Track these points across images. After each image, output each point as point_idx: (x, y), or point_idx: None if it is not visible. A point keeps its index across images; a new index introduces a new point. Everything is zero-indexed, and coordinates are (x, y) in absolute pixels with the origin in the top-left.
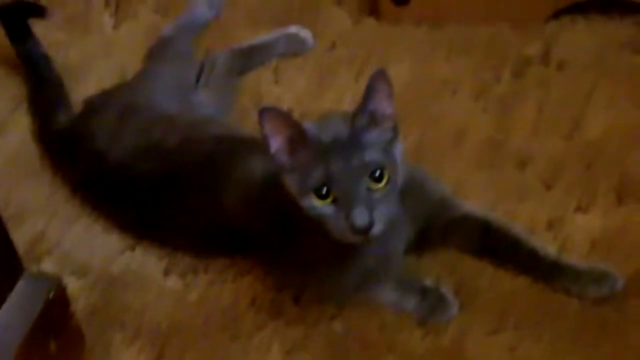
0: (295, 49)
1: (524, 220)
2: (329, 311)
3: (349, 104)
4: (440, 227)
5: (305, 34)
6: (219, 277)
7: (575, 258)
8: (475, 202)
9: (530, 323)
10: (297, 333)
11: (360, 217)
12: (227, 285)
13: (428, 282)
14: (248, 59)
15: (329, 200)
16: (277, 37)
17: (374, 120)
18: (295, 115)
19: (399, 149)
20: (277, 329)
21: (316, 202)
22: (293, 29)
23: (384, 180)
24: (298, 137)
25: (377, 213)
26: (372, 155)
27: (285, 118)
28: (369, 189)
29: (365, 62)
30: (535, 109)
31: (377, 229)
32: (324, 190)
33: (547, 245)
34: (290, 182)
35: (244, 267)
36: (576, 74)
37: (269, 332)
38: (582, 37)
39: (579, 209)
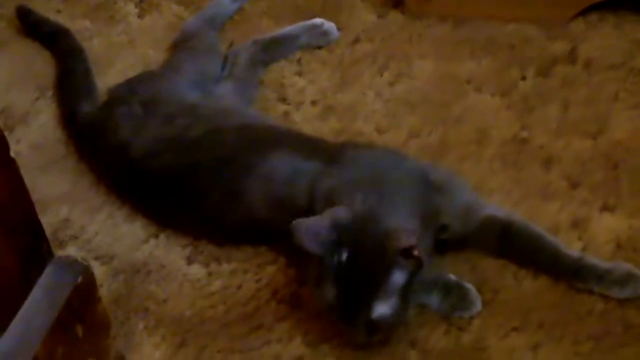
0: (319, 41)
1: (549, 219)
2: None
3: (372, 98)
4: (462, 234)
5: (329, 26)
6: (241, 267)
7: (600, 258)
8: (498, 201)
9: (553, 322)
10: (318, 326)
11: (354, 338)
12: (249, 276)
13: (451, 278)
14: (271, 50)
15: None
16: (300, 29)
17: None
18: (319, 108)
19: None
20: (298, 321)
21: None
22: (317, 21)
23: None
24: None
25: (376, 335)
26: (380, 311)
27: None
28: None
29: (389, 56)
30: (561, 108)
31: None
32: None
33: (569, 245)
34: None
35: (267, 257)
36: (603, 73)
37: (290, 324)
38: (609, 35)
39: (604, 208)
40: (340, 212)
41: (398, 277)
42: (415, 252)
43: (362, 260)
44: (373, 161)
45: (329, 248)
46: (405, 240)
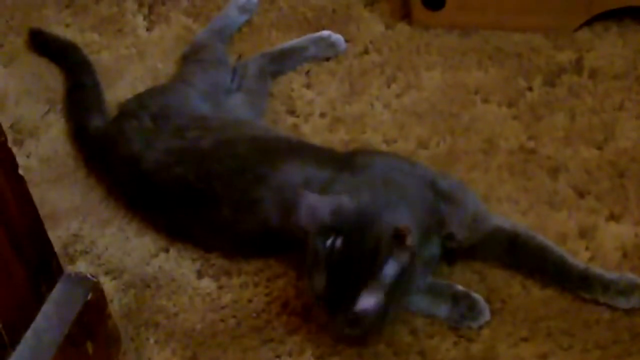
0: (326, 53)
1: (556, 228)
2: None
3: (380, 109)
4: (469, 245)
5: (337, 38)
6: (251, 280)
7: (607, 267)
8: (506, 210)
9: (561, 331)
10: (329, 338)
11: (337, 329)
12: (259, 289)
13: (459, 288)
14: (280, 62)
15: None
16: (308, 41)
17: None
18: (328, 119)
19: (413, 273)
20: (309, 333)
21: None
22: (325, 33)
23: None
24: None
25: (357, 328)
26: (363, 306)
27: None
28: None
29: (397, 67)
30: (568, 117)
31: (355, 333)
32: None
33: (575, 255)
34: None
35: (277, 270)
36: (608, 82)
37: (301, 336)
38: (614, 45)
39: (611, 217)
40: (344, 200)
41: (389, 269)
42: (409, 241)
43: (355, 249)
44: (383, 169)
45: (324, 230)
46: (400, 224)
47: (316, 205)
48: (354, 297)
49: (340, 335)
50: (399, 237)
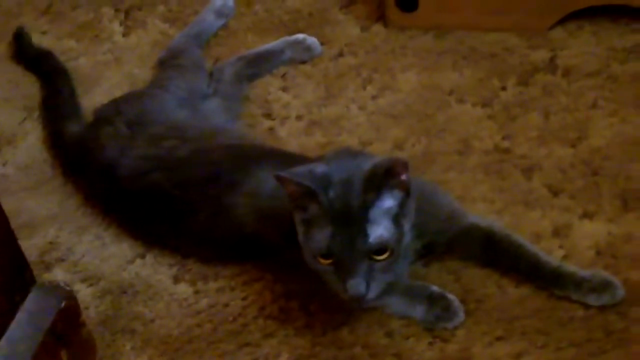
0: (302, 56)
1: (531, 227)
2: (337, 319)
3: (356, 111)
4: (446, 240)
5: (312, 41)
6: (228, 284)
7: (580, 265)
8: (482, 209)
9: (536, 330)
10: (306, 341)
11: (355, 288)
12: (236, 293)
13: (435, 289)
14: (256, 66)
15: (330, 261)
16: (284, 45)
17: (388, 184)
18: (304, 122)
19: (410, 207)
20: (285, 336)
21: (318, 262)
22: (300, 37)
23: (387, 254)
24: (309, 197)
25: (374, 283)
26: (377, 234)
27: (295, 184)
28: (370, 260)
29: (373, 69)
30: (542, 116)
31: (371, 296)
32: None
33: (549, 253)
34: (299, 233)
35: (253, 274)
36: (582, 80)
37: (278, 340)
38: (587, 43)
39: (585, 215)
40: (317, 166)
41: (388, 202)
42: (403, 177)
43: (349, 192)
44: (353, 160)
45: (323, 182)
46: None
47: (298, 170)
48: (364, 232)
49: (359, 295)
50: (390, 171)
